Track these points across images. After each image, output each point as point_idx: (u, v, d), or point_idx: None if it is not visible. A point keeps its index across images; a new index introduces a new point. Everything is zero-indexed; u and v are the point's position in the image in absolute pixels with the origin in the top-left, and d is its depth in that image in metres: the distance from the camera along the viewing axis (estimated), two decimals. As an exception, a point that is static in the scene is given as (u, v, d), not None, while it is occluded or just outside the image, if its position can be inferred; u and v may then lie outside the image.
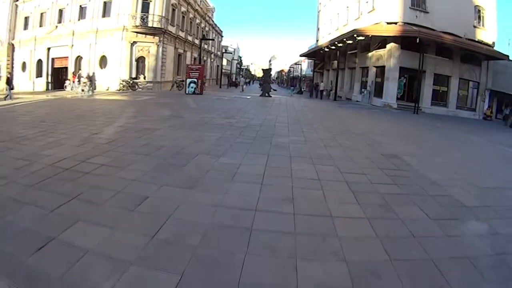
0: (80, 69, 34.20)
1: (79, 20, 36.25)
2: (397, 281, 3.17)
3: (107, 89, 32.42)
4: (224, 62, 75.00)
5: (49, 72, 38.65)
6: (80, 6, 36.24)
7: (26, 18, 41.41)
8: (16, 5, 42.21)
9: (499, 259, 3.76)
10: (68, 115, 13.05)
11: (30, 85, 38.79)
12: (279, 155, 7.82)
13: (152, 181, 5.43)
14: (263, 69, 37.88)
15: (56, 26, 37.49)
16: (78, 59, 36.20)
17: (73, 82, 30.66)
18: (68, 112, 14.22)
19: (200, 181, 5.55)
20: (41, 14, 39.50)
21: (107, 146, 7.86)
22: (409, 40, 27.29)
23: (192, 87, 28.67)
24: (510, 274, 3.53)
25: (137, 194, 4.83)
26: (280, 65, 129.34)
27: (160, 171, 6.05)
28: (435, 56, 29.87)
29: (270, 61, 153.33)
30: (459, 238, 4.19)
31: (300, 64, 78.70)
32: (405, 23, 29.00)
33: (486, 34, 33.61)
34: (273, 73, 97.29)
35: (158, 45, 34.69)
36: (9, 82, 23.44)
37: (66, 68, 36.79)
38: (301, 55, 59.65)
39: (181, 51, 41.75)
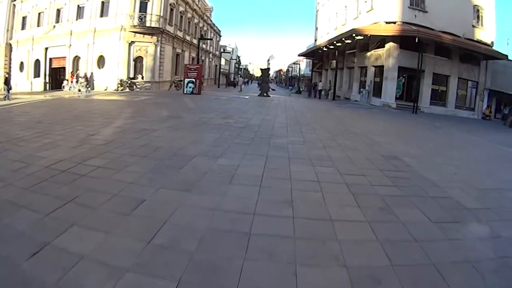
0: (78, 69, 34.11)
1: (77, 20, 36.06)
2: (398, 287, 3.10)
3: (106, 89, 32.34)
4: (223, 61, 74.84)
5: (47, 72, 38.42)
6: (78, 5, 36.05)
7: (24, 18, 41.20)
8: (14, 5, 42.01)
9: (502, 263, 3.70)
10: (65, 116, 12.97)
11: (28, 85, 38.59)
12: (277, 157, 7.76)
13: (149, 184, 5.35)
14: (261, 69, 37.84)
15: (54, 26, 37.30)
16: (76, 59, 36.04)
17: (72, 82, 30.58)
18: (65, 113, 14.14)
19: (197, 184, 5.48)
20: (39, 14, 39.29)
21: (104, 147, 7.79)
22: (408, 40, 27.26)
23: (190, 87, 28.61)
24: (513, 278, 3.46)
25: (134, 197, 4.76)
26: (279, 64, 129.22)
27: (157, 173, 5.97)
28: (434, 56, 29.84)
29: (268, 60, 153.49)
30: (461, 242, 4.13)
31: (299, 64, 78.57)
32: (404, 22, 28.96)
33: (485, 33, 33.60)
34: (271, 72, 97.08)
35: (156, 45, 34.57)
36: (7, 82, 23.34)
37: (64, 68, 36.62)
38: (299, 55, 59.65)
39: (179, 50, 41.64)
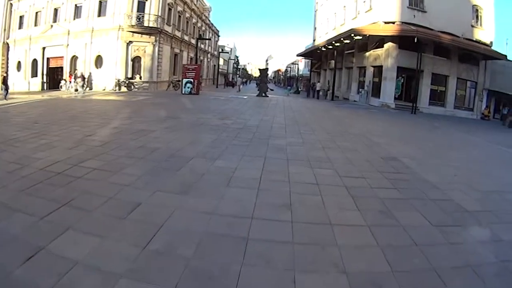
0: (76, 69, 34.01)
1: (74, 19, 35.96)
2: (400, 294, 3.04)
3: (104, 89, 32.27)
4: (221, 61, 74.92)
5: (45, 72, 38.33)
6: (76, 5, 35.94)
7: (21, 17, 41.10)
8: (11, 4, 41.91)
9: (503, 267, 3.65)
10: (62, 116, 12.88)
11: (26, 85, 38.49)
12: (276, 158, 7.68)
13: (145, 187, 5.28)
14: (260, 69, 37.76)
15: (52, 26, 37.20)
16: (74, 58, 35.95)
17: (70, 82, 30.51)
18: (62, 113, 14.06)
19: (194, 186, 5.40)
20: (36, 13, 39.18)
21: (100, 148, 7.71)
22: (407, 40, 27.24)
23: (188, 87, 28.52)
24: (515, 283, 3.40)
25: (130, 200, 4.68)
26: (277, 64, 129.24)
27: (154, 176, 5.90)
28: (433, 56, 29.84)
29: (267, 60, 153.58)
30: (462, 246, 4.07)
31: (297, 64, 78.55)
32: (402, 22, 28.94)
33: (484, 33, 33.62)
34: (270, 72, 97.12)
35: (154, 44, 34.51)
36: (4, 82, 23.21)
37: (61, 68, 36.52)
38: (298, 55, 59.61)
39: (177, 50, 41.59)
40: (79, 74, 30.00)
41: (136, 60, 34.43)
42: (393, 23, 29.08)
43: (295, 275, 3.19)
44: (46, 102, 19.60)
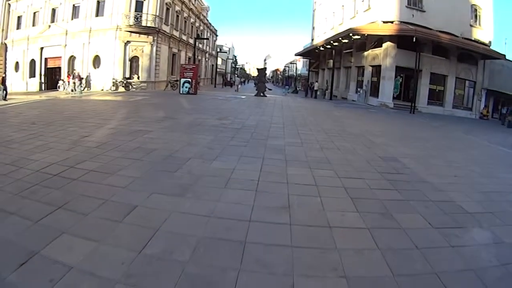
0: (74, 69, 33.94)
1: (72, 19, 36.00)
2: (401, 300, 2.97)
3: (102, 89, 32.21)
4: (219, 61, 74.90)
5: (42, 72, 38.35)
6: (73, 5, 35.99)
7: (19, 17, 41.11)
8: (9, 4, 41.87)
9: (506, 270, 3.58)
10: (59, 117, 12.78)
11: (23, 86, 38.44)
12: (274, 159, 7.61)
13: (141, 189, 5.19)
14: (258, 68, 37.70)
15: (49, 26, 37.19)
16: (72, 59, 35.94)
17: (68, 82, 30.45)
18: (59, 114, 13.96)
19: (191, 188, 5.32)
20: (34, 13, 39.19)
21: (97, 150, 7.62)
22: (406, 39, 27.28)
23: (186, 87, 28.45)
24: (518, 286, 3.34)
25: (125, 203, 4.60)
26: (275, 64, 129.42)
27: (150, 177, 5.82)
28: (431, 55, 29.89)
29: (265, 60, 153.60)
30: (463, 249, 3.99)
31: (295, 63, 78.67)
32: (401, 22, 28.97)
33: (482, 33, 33.67)
34: (268, 72, 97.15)
35: (152, 44, 34.50)
36: (3, 82, 23.10)
37: (59, 68, 36.53)
38: (296, 54, 59.72)
39: (175, 50, 41.55)
40: (76, 75, 29.93)
41: (134, 60, 34.41)
42: (392, 22, 29.10)
43: (293, 280, 3.12)
44: (44, 103, 19.51)
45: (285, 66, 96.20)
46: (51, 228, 3.86)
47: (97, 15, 34.74)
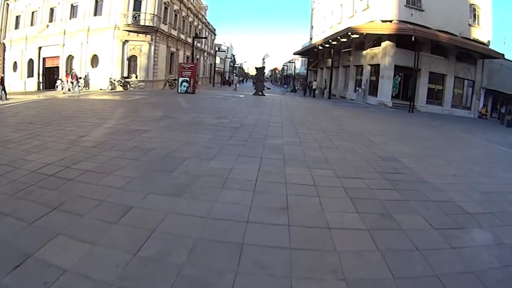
0: (73, 69, 33.86)
1: (70, 19, 35.93)
2: (402, 303, 2.91)
3: (101, 89, 32.14)
4: (217, 60, 74.88)
5: (41, 72, 38.25)
6: (72, 4, 35.93)
7: (18, 17, 41.03)
8: (7, 4, 41.76)
9: (507, 272, 3.53)
10: (56, 117, 12.71)
11: (22, 85, 38.33)
12: (272, 159, 7.55)
13: (138, 189, 5.13)
14: (256, 67, 37.63)
15: (47, 25, 37.10)
16: (70, 58, 35.89)
17: (67, 82, 30.41)
18: (56, 114, 13.88)
19: (188, 189, 5.26)
20: (32, 13, 39.12)
21: (94, 149, 7.55)
22: (404, 38, 27.22)
23: (184, 86, 28.36)
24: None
25: (121, 203, 4.54)
26: (274, 63, 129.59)
27: (147, 177, 5.75)
28: (430, 55, 29.87)
29: (263, 59, 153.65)
30: (464, 250, 3.94)
31: (294, 62, 78.69)
32: (400, 21, 28.94)
33: (481, 32, 33.67)
34: (266, 71, 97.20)
35: (150, 43, 34.43)
36: (2, 82, 23.05)
37: (57, 67, 36.46)
38: (294, 53, 59.62)
39: (173, 49, 41.48)
40: (73, 74, 29.89)
41: (132, 59, 34.36)
42: (391, 21, 29.06)
43: (292, 283, 3.07)
44: (41, 103, 19.44)
45: (283, 65, 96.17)
46: (46, 229, 3.81)
47: (95, 14, 34.68)
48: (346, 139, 10.96)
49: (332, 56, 37.29)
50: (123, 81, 32.21)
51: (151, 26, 33.74)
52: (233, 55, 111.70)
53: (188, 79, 28.44)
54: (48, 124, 10.78)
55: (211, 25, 68.18)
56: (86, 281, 2.96)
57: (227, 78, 78.80)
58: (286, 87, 56.19)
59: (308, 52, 50.59)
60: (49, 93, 28.04)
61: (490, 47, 33.43)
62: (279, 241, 3.81)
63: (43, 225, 3.93)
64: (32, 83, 38.02)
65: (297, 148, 8.95)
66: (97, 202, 4.56)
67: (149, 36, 34.22)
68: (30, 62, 38.81)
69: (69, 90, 27.53)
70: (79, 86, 28.69)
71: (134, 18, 32.98)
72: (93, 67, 34.60)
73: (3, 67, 41.06)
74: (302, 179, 6.17)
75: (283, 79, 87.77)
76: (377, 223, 4.45)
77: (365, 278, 3.23)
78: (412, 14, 29.74)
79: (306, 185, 5.82)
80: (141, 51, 34.22)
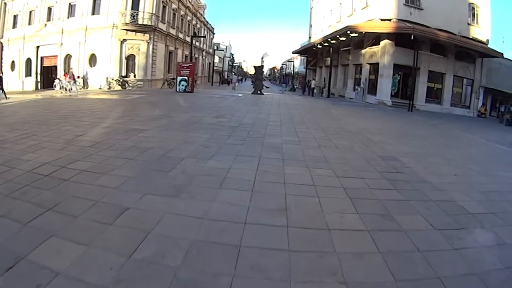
0: (71, 67, 33.80)
1: (68, 18, 35.88)
2: (403, 306, 2.84)
3: (100, 88, 32.06)
4: (216, 59, 74.80)
5: (39, 71, 38.19)
6: (69, 3, 35.89)
7: (15, 16, 40.98)
8: (5, 3, 41.68)
9: (510, 273, 3.47)
10: (53, 116, 12.63)
11: (19, 85, 38.28)
12: (271, 158, 7.47)
13: (134, 189, 5.05)
14: (255, 66, 37.59)
15: (45, 24, 37.04)
16: (68, 57, 35.82)
17: (65, 81, 30.36)
18: (54, 113, 13.80)
19: (185, 189, 5.17)
20: (30, 12, 39.06)
21: (90, 149, 7.47)
22: (403, 37, 27.18)
23: (183, 85, 28.25)
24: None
25: (117, 204, 4.46)
26: (273, 62, 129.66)
27: (144, 177, 5.67)
28: (429, 53, 29.88)
29: (262, 58, 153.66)
30: (466, 251, 3.87)
31: (293, 61, 78.67)
32: (399, 20, 28.92)
33: (480, 31, 33.69)
34: (265, 70, 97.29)
35: (148, 42, 34.39)
36: (1, 82, 23.00)
37: (55, 67, 36.39)
38: (293, 52, 59.65)
39: (172, 48, 41.43)
40: (70, 74, 29.85)
41: (130, 58, 34.33)
42: (390, 20, 29.05)
43: (290, 286, 2.99)
44: (39, 102, 19.35)
45: (282, 64, 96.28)
46: (40, 230, 3.74)
47: (93, 13, 34.63)
48: (345, 138, 10.89)
49: (331, 55, 37.28)
50: (121, 80, 32.13)
51: (149, 25, 33.68)
52: (232, 54, 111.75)
53: (186, 78, 28.34)
54: (45, 123, 10.70)
55: (210, 24, 68.17)
56: (80, 284, 2.89)
57: (226, 77, 78.75)
58: (285, 86, 56.24)
59: (307, 51, 50.59)
60: (47, 93, 27.97)
61: (489, 46, 33.45)
62: (278, 242, 3.72)
63: (38, 225, 3.86)
64: (30, 83, 37.95)
65: (296, 147, 8.88)
66: (92, 203, 4.48)
67: (147, 35, 34.16)
68: (28, 61, 38.74)
69: (65, 90, 27.45)
70: (76, 85, 28.59)
71: (132, 17, 32.92)
72: (91, 66, 34.54)
73: (1, 66, 40.97)
74: (301, 179, 6.09)
75: (282, 78, 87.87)
76: (378, 224, 4.37)
77: (366, 281, 3.15)
78: (411, 13, 29.72)
79: (305, 185, 5.74)
80: (139, 50, 34.16)
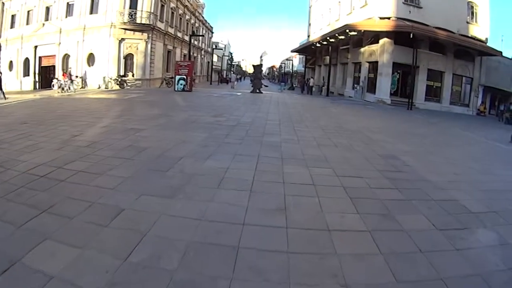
0: (70, 67, 33.72)
1: (66, 17, 35.75)
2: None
3: (99, 87, 31.99)
4: (215, 58, 74.72)
5: (37, 71, 38.07)
6: (67, 3, 35.75)
7: (13, 16, 40.81)
8: (3, 3, 41.54)
9: (513, 274, 3.38)
10: (51, 116, 12.55)
11: (18, 85, 38.13)
12: (270, 157, 7.40)
13: (130, 190, 4.97)
14: (254, 65, 37.57)
15: (43, 24, 36.91)
16: (66, 57, 35.69)
17: (64, 81, 30.30)
18: (51, 113, 13.72)
19: (182, 189, 5.10)
20: (28, 11, 38.90)
21: (87, 149, 7.40)
22: (403, 35, 27.16)
23: (181, 84, 28.20)
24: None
25: (113, 205, 4.38)
26: (272, 60, 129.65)
27: (141, 178, 5.60)
28: (428, 52, 29.86)
29: (261, 57, 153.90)
30: (469, 251, 3.80)
31: (292, 60, 78.56)
32: (398, 18, 28.91)
33: (479, 30, 33.71)
34: (264, 69, 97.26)
35: (146, 41, 34.28)
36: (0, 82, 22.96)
37: (53, 66, 36.24)
38: (292, 51, 59.66)
39: (170, 47, 41.33)
40: (68, 73, 29.81)
41: (129, 57, 34.23)
42: (389, 18, 29.05)
43: (290, 289, 2.92)
44: (37, 102, 19.29)
45: (281, 63, 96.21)
46: (35, 233, 3.67)
47: (91, 12, 34.53)
48: (345, 136, 10.84)
49: (330, 54, 37.27)
50: (119, 80, 32.05)
51: (147, 24, 33.55)
52: (231, 53, 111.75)
53: (185, 77, 28.28)
54: (42, 123, 10.62)
55: (208, 23, 68.05)
56: (74, 288, 2.81)
57: (224, 76, 78.64)
58: (284, 84, 56.14)
59: (306, 50, 50.57)
60: (45, 92, 27.88)
61: (488, 44, 33.45)
62: (277, 244, 3.65)
63: (32, 227, 3.79)
64: (28, 82, 37.83)
65: (295, 146, 8.83)
66: (88, 204, 4.40)
67: (145, 34, 34.05)
68: (26, 61, 38.62)
69: (62, 89, 27.39)
70: (74, 85, 28.52)
71: (130, 16, 32.80)
72: (89, 65, 34.43)
73: (-1, 66, 40.89)
74: (301, 178, 6.02)
75: (281, 76, 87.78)
76: (379, 224, 4.30)
77: (367, 283, 3.09)
78: (410, 11, 29.71)
79: (305, 185, 5.67)
80: (137, 49, 34.07)
